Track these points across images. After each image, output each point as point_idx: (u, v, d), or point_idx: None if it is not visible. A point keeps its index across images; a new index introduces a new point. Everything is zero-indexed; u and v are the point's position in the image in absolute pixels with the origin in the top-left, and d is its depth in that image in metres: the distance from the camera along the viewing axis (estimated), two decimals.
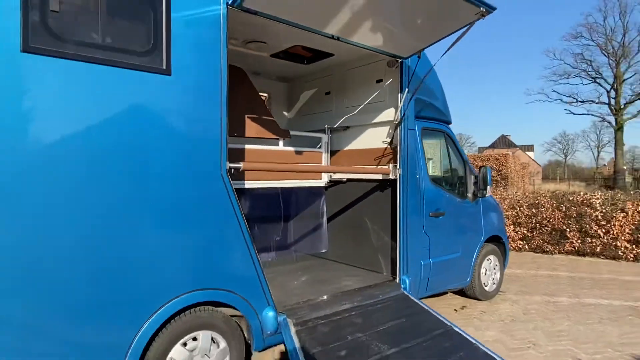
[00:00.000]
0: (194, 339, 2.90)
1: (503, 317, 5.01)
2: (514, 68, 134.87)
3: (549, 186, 36.27)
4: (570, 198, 8.81)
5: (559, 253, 8.79)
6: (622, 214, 8.09)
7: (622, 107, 38.36)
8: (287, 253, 5.17)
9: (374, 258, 4.75)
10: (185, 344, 2.86)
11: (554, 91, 51.67)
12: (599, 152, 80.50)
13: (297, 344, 3.03)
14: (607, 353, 3.99)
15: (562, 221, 8.69)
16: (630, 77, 38.28)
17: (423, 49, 4.06)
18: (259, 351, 3.31)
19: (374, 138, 4.81)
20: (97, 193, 2.46)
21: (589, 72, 40.25)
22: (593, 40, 39.45)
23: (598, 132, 75.00)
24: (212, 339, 2.99)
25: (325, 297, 3.74)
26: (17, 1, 2.19)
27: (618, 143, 39.59)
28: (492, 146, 70.38)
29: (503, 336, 4.40)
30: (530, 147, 77.31)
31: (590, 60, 40.04)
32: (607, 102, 39.45)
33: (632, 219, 8.02)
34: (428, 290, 4.71)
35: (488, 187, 5.19)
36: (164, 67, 2.70)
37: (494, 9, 3.34)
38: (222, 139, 2.96)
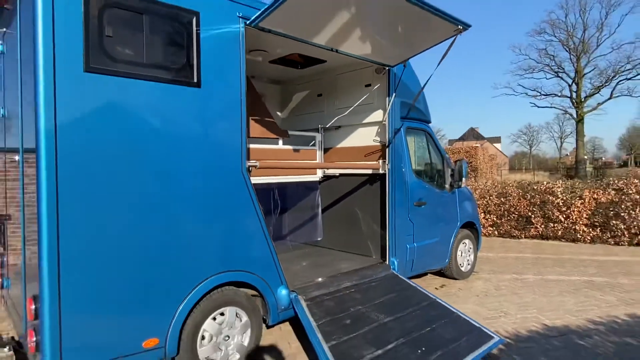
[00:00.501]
0: (222, 314, 3.38)
1: (477, 292, 5.69)
2: (482, 62, 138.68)
3: (515, 176, 37.97)
4: (535, 187, 9.67)
5: (525, 237, 9.65)
6: (580, 201, 8.99)
7: (582, 100, 40.41)
8: (284, 242, 5.68)
9: (364, 244, 5.31)
10: (214, 319, 3.33)
11: (520, 85, 53.44)
12: (562, 143, 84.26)
13: (309, 316, 3.55)
14: (566, 318, 4.69)
15: (528, 208, 9.54)
16: (590, 71, 40.39)
17: (408, 58, 4.62)
18: (272, 325, 3.81)
19: (364, 136, 5.36)
20: (160, 187, 2.93)
21: (552, 67, 42.07)
22: (555, 36, 41.27)
23: (561, 124, 78.45)
24: (236, 314, 3.47)
25: (326, 277, 4.27)
26: (80, 29, 2.59)
27: (579, 134, 41.69)
28: (462, 138, 72.48)
29: (478, 308, 5.06)
30: (497, 139, 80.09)
31: (553, 56, 41.85)
32: (569, 95, 41.41)
33: (588, 205, 8.93)
34: (413, 270, 5.31)
35: (464, 178, 5.84)
36: (195, 80, 3.13)
37: (469, 26, 3.91)
38: (242, 141, 3.42)
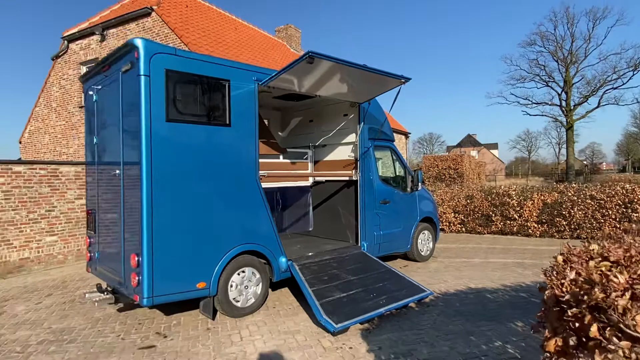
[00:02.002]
0: (243, 271, 5.21)
1: (430, 270, 7.51)
2: (478, 71, 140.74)
3: (507, 181, 39.73)
4: (495, 191, 11.50)
5: (487, 233, 11.46)
6: (530, 202, 10.81)
7: (571, 108, 42.19)
8: (283, 232, 7.51)
9: (343, 232, 7.15)
10: (239, 274, 5.17)
11: (512, 94, 55.55)
12: (559, 149, 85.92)
13: (300, 274, 5.38)
14: (487, 284, 6.49)
15: (489, 208, 11.36)
16: (578, 81, 42.24)
17: (371, 98, 6.50)
18: (276, 282, 5.64)
19: (342, 152, 7.22)
20: (208, 189, 4.79)
21: (542, 77, 43.86)
22: (545, 47, 43.16)
23: (558, 130, 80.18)
24: (252, 272, 5.30)
25: (313, 253, 6.10)
26: (163, 96, 4.45)
27: (569, 141, 43.36)
28: (459, 145, 74.31)
29: (427, 278, 6.87)
30: (494, 146, 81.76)
31: (544, 66, 43.70)
32: (558, 104, 43.20)
33: (537, 205, 10.75)
34: (380, 251, 7.12)
35: (420, 183, 7.69)
36: (228, 122, 5.01)
37: (409, 79, 5.77)
38: (256, 159, 5.29)
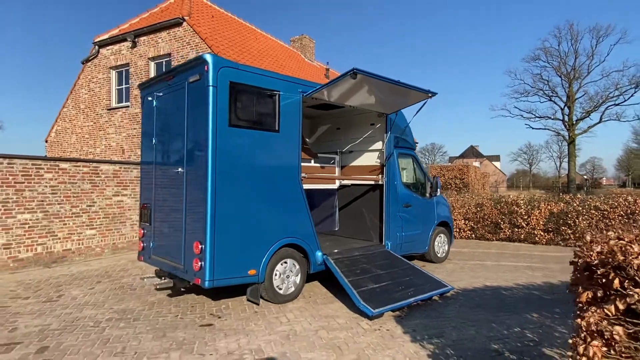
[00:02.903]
0: (285, 262, 5.79)
1: (447, 270, 8.08)
2: (481, 84, 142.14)
3: (510, 193, 40.43)
4: (504, 200, 12.10)
5: (496, 240, 12.04)
6: (537, 211, 11.40)
7: (574, 123, 42.93)
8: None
9: (367, 232, 7.73)
10: (282, 264, 5.75)
11: (516, 107, 56.49)
12: (560, 163, 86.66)
13: (336, 267, 5.95)
14: (501, 282, 7.07)
15: (498, 216, 11.95)
16: (581, 96, 43.01)
17: (398, 110, 7.13)
18: (312, 273, 6.21)
19: (368, 158, 7.83)
20: (260, 187, 5.38)
21: (546, 91, 44.64)
22: (549, 63, 44.02)
23: (560, 144, 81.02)
24: (293, 264, 5.88)
25: (343, 249, 6.68)
26: (226, 104, 5.07)
27: (571, 155, 44.06)
28: (462, 156, 75.06)
29: (445, 277, 7.43)
30: (497, 158, 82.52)
31: (547, 80, 44.50)
32: (561, 118, 43.95)
33: (543, 214, 11.34)
34: (402, 251, 7.70)
35: (439, 189, 8.29)
36: (277, 129, 5.62)
37: (436, 93, 6.40)
38: (299, 162, 5.89)
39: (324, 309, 5.58)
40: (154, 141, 6.18)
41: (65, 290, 6.52)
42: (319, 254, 6.16)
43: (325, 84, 5.74)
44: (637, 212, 10.17)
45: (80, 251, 8.82)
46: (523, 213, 11.57)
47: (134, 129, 13.12)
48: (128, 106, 13.31)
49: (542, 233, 11.39)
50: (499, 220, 11.93)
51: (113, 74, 13.89)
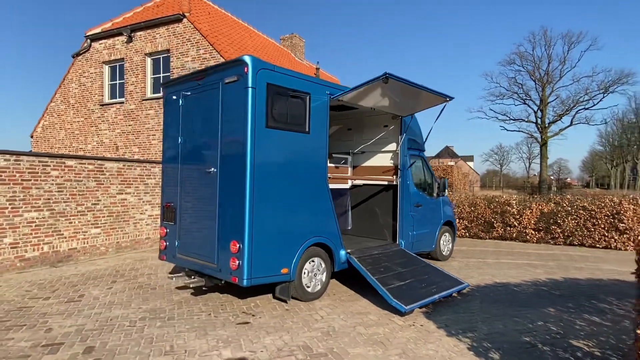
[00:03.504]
0: (313, 261, 5.92)
1: (454, 267, 8.39)
2: (458, 85, 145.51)
3: (485, 192, 41.72)
4: (497, 200, 12.58)
5: (489, 238, 12.51)
6: (529, 211, 11.93)
7: (546, 126, 44.65)
8: None
9: (381, 231, 7.95)
10: (310, 263, 5.87)
11: (491, 109, 58.16)
12: (529, 164, 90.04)
13: (360, 265, 6.13)
14: (509, 279, 7.43)
15: (491, 216, 12.42)
16: (553, 100, 44.77)
17: (414, 113, 7.36)
18: (336, 271, 6.36)
19: (381, 159, 8.04)
20: (292, 187, 5.48)
21: (520, 95, 46.18)
22: (523, 67, 45.57)
23: (529, 146, 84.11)
24: (320, 262, 6.02)
25: (361, 247, 6.86)
26: (264, 106, 5.15)
27: (543, 157, 45.80)
28: (438, 156, 76.70)
29: (455, 274, 7.74)
30: (470, 158, 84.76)
31: (521, 84, 46.05)
32: (534, 121, 45.61)
33: (534, 214, 11.88)
34: (413, 249, 7.94)
35: (446, 190, 8.59)
36: (307, 130, 5.74)
37: (453, 97, 6.66)
38: (326, 163, 6.03)
39: (352, 306, 5.75)
40: (180, 140, 6.17)
41: (83, 290, 6.43)
42: (342, 252, 6.31)
43: (353, 87, 5.89)
44: (621, 212, 10.82)
45: (86, 250, 8.65)
46: (515, 213, 12.08)
47: (130, 125, 12.88)
48: (123, 102, 13.05)
49: (532, 232, 11.93)
50: (492, 220, 12.41)
51: (106, 69, 13.57)
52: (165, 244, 6.39)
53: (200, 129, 5.84)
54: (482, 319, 5.26)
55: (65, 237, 8.27)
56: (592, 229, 11.18)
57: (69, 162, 8.33)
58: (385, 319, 5.24)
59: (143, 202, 9.96)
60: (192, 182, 5.94)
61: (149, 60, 12.78)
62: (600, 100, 42.89)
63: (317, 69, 21.57)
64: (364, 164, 8.33)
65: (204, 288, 6.45)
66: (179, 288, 6.60)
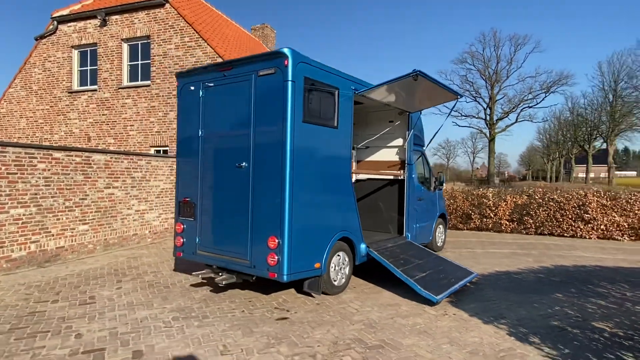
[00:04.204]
0: (339, 255, 5.96)
1: (450, 258, 8.76)
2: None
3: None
4: (474, 192, 13.24)
5: (466, 229, 13.15)
6: (504, 203, 12.67)
7: (494, 122, 47.30)
8: None
9: (385, 225, 8.13)
10: (337, 257, 5.91)
11: (444, 106, 60.63)
12: (474, 158, 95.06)
13: (380, 257, 6.25)
14: (506, 268, 7.89)
15: (469, 208, 13.06)
16: (501, 98, 47.45)
17: (422, 109, 7.57)
18: (357, 265, 6.44)
19: (387, 154, 8.20)
20: (323, 181, 5.47)
21: (471, 92, 48.57)
22: (474, 66, 47.90)
23: (474, 141, 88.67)
24: (344, 256, 6.07)
25: (376, 240, 6.99)
26: (301, 101, 5.09)
27: (491, 152, 48.51)
28: None
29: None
30: None
31: (472, 82, 48.41)
32: (484, 117, 48.17)
33: (509, 206, 12.64)
34: (416, 242, 8.21)
35: (443, 184, 8.93)
36: (336, 125, 5.74)
37: (463, 95, 6.94)
38: (350, 158, 6.07)
39: (378, 298, 5.87)
40: (200, 133, 5.94)
41: (89, 291, 6.04)
42: (363, 246, 6.40)
43: (381, 84, 5.97)
44: (587, 203, 11.79)
45: (73, 248, 8.09)
46: (491, 205, 12.78)
47: (104, 114, 12.11)
48: (96, 90, 12.23)
49: (507, 222, 12.69)
50: (470, 212, 13.05)
51: (75, 54, 12.62)
52: (182, 240, 6.15)
53: (226, 122, 5.65)
54: (505, 306, 5.58)
55: (53, 235, 7.69)
56: (561, 220, 12.10)
57: (57, 154, 7.73)
58: (417, 309, 5.41)
59: (130, 196, 9.46)
60: (217, 177, 5.75)
61: (125, 46, 12.04)
62: (543, 100, 45.99)
63: None
64: (367, 159, 8.45)
65: (220, 285, 6.29)
66: (193, 285, 6.38)
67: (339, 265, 5.95)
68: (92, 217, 8.50)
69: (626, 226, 11.53)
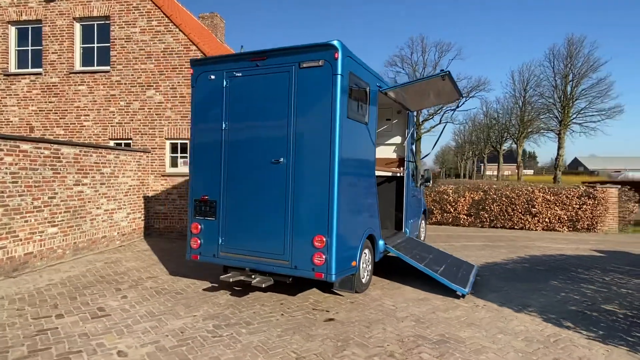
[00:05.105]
0: (365, 253, 5.94)
1: None
2: None
3: None
4: (436, 190, 13.98)
5: (429, 224, 13.84)
6: (463, 199, 13.56)
7: (420, 123, 50.24)
8: None
9: (383, 221, 8.24)
10: (364, 255, 5.88)
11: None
12: None
13: (403, 254, 6.34)
14: (492, 260, 8.46)
15: (431, 204, 13.75)
16: None
17: (423, 108, 7.81)
18: (377, 262, 6.47)
19: (384, 152, 8.32)
20: (358, 179, 5.41)
21: None
22: (404, 69, 50.36)
23: None
24: (369, 254, 6.06)
25: (385, 237, 7.09)
26: (346, 99, 4.98)
27: (417, 152, 51.54)
28: None
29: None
30: None
31: None
32: None
33: (467, 201, 13.55)
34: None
35: (430, 182, 9.31)
36: (366, 121, 5.71)
37: (464, 96, 7.29)
38: (375, 153, 6.08)
39: (404, 294, 5.95)
40: (224, 126, 5.52)
41: (91, 302, 5.34)
42: (381, 242, 6.45)
43: (407, 82, 6.04)
44: (534, 199, 13.06)
45: (42, 254, 7.07)
46: (452, 200, 13.60)
47: (51, 102, 10.70)
48: (40, 73, 10.75)
49: (465, 217, 13.61)
50: (432, 207, 13.75)
51: (12, 31, 10.94)
52: (199, 241, 5.68)
53: (259, 115, 5.32)
54: (521, 295, 5.99)
55: (21, 240, 6.64)
56: (512, 214, 13.27)
57: (24, 146, 6.67)
58: (449, 302, 5.59)
59: (99, 194, 8.50)
60: (247, 173, 5.39)
61: (78, 26, 10.70)
62: (463, 103, 49.76)
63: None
64: None
65: (234, 286, 5.93)
66: (207, 290, 5.94)
67: (365, 263, 5.93)
68: (62, 218, 7.49)
69: (565, 219, 12.98)
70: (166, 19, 10.28)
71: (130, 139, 10.43)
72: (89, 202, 8.18)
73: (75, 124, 10.62)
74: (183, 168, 10.40)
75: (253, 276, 5.36)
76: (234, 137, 5.48)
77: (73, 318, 4.75)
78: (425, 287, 6.17)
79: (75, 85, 10.60)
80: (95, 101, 10.54)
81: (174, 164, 10.52)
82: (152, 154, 10.35)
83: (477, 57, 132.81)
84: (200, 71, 5.69)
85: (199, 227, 5.68)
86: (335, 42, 4.84)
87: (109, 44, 10.55)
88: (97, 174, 8.43)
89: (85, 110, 10.59)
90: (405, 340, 4.29)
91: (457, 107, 50.15)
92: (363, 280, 5.86)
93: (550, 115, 42.38)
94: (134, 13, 10.37)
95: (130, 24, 10.38)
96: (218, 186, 5.57)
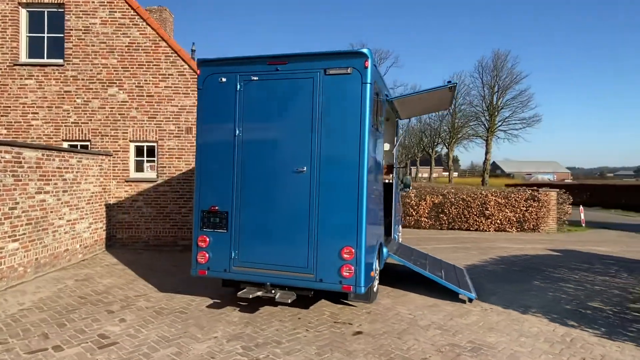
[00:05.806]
0: (376, 261, 5.93)
1: None
2: None
3: None
4: (399, 194, 14.38)
5: None
6: (424, 202, 14.11)
7: None
8: None
9: None
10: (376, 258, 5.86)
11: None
12: None
13: (407, 262, 6.40)
14: (466, 261, 8.87)
15: None
16: None
17: (412, 117, 8.00)
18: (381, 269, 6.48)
19: None
20: (376, 188, 5.36)
21: None
22: None
23: None
24: (377, 262, 6.05)
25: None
26: (371, 110, 4.93)
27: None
28: None
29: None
30: None
31: None
32: None
33: (428, 205, 14.13)
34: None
35: (410, 186, 9.55)
36: (381, 130, 5.70)
37: (451, 107, 7.58)
38: (383, 161, 6.10)
39: (413, 301, 6.02)
40: (237, 132, 5.18)
41: (87, 328, 4.72)
42: (385, 250, 6.47)
43: (415, 92, 6.14)
44: (487, 202, 13.97)
45: (2, 273, 6.13)
46: (414, 204, 14.09)
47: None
48: None
49: (426, 220, 14.17)
50: None
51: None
52: (207, 255, 5.28)
53: (278, 122, 5.07)
54: (515, 296, 6.33)
55: None
56: (468, 216, 14.07)
57: None
58: (459, 307, 5.75)
59: (61, 203, 7.59)
60: (264, 182, 5.11)
61: (24, 13, 9.45)
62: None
63: (193, 51, 19.71)
64: None
65: (248, 300, 5.60)
66: (210, 307, 5.55)
67: (376, 272, 5.91)
68: (23, 231, 6.56)
69: (514, 220, 14.04)
70: (132, 11, 9.49)
71: (89, 140, 9.46)
72: (51, 212, 7.26)
73: (20, 122, 9.40)
74: (150, 173, 9.64)
75: (273, 291, 5.09)
76: (249, 144, 5.17)
77: (75, 349, 4.16)
78: (431, 293, 6.29)
79: (20, 79, 9.38)
80: (46, 98, 9.42)
81: (139, 168, 9.72)
82: (115, 157, 9.47)
83: (412, 64, 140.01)
84: (208, 72, 5.30)
85: (208, 240, 5.28)
86: (365, 50, 4.77)
87: (62, 35, 9.48)
88: (60, 180, 7.52)
89: (34, 107, 9.41)
90: (442, 350, 4.33)
91: None
92: (374, 290, 5.83)
93: (478, 122, 45.84)
94: (93, 2, 9.43)
95: (89, 14, 9.42)
96: (230, 196, 5.22)
